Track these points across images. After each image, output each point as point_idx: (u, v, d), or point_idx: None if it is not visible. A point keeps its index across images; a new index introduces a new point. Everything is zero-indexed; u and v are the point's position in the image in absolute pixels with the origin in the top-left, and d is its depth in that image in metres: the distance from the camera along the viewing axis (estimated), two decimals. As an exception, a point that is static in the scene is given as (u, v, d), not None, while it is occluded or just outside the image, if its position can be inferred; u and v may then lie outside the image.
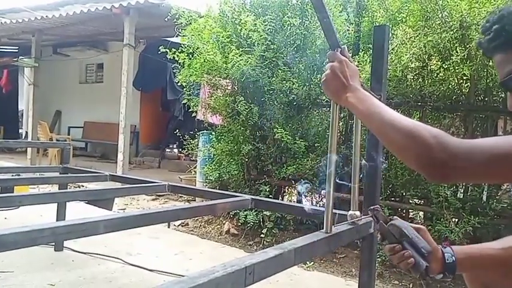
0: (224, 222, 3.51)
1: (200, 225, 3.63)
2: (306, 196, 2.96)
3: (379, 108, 0.80)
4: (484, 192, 2.51)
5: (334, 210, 0.99)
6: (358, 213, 1.10)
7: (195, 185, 4.18)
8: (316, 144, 3.18)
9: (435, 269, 0.90)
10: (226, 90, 3.59)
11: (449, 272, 0.91)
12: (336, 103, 0.95)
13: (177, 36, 3.94)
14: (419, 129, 0.71)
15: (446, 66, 2.42)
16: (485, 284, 0.96)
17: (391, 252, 0.90)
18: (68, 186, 2.66)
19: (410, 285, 2.46)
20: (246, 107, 3.20)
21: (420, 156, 0.69)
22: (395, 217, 0.95)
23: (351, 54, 3.12)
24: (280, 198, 3.47)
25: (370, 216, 0.98)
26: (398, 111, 2.78)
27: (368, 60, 2.47)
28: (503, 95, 2.52)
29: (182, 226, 3.63)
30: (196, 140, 4.13)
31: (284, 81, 3.09)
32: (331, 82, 0.88)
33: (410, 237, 0.89)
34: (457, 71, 2.41)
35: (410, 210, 2.88)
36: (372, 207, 0.96)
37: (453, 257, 0.91)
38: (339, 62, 0.88)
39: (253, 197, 1.50)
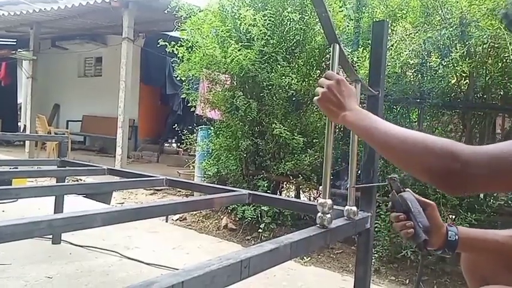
0: (222, 217, 3.52)
1: (198, 220, 3.64)
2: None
3: (382, 123, 0.79)
4: (481, 190, 2.52)
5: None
6: (354, 208, 1.11)
7: (193, 180, 4.18)
8: (314, 140, 3.18)
9: (436, 243, 0.94)
10: (225, 85, 3.59)
11: (449, 249, 0.94)
12: (332, 121, 0.93)
13: (176, 31, 3.92)
14: (428, 141, 0.68)
15: (446, 63, 2.41)
16: (484, 276, 0.96)
17: (396, 219, 0.95)
18: (66, 180, 2.66)
19: (407, 281, 2.47)
20: (245, 102, 3.20)
21: (432, 168, 0.66)
22: (407, 189, 0.98)
23: (350, 50, 3.12)
24: (278, 193, 3.48)
25: (387, 184, 1.01)
26: (397, 108, 2.77)
27: (367, 56, 2.46)
28: (501, 93, 2.53)
29: (180, 220, 3.64)
30: (195, 134, 4.13)
31: (283, 77, 3.08)
32: (328, 100, 0.87)
33: (413, 211, 0.93)
34: (456, 68, 2.41)
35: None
36: (389, 176, 1.00)
37: (456, 236, 0.93)
38: (336, 81, 0.87)
39: (250, 191, 1.50)
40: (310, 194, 3.48)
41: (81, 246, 2.50)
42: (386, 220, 2.56)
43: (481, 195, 2.52)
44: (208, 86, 3.71)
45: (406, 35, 2.56)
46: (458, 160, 0.63)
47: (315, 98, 0.91)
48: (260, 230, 3.13)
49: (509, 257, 0.90)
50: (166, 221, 3.56)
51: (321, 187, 2.59)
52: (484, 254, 0.96)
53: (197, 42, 3.44)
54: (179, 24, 3.68)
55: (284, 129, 3.03)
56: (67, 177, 3.11)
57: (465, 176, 0.64)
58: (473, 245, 0.94)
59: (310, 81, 3.14)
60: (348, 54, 2.82)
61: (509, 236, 0.92)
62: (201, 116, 4.14)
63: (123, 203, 4.46)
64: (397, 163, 0.76)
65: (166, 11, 3.79)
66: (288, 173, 3.17)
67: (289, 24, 3.17)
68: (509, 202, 2.51)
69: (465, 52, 2.37)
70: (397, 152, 0.74)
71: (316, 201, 1.01)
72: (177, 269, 0.63)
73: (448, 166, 0.64)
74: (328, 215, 0.93)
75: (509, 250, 0.90)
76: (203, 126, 4.11)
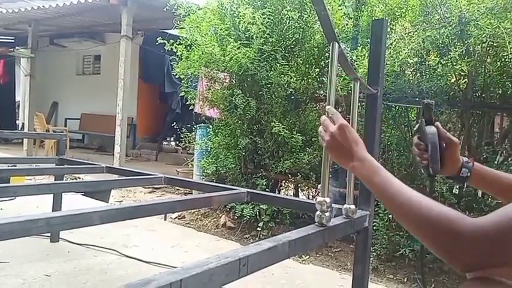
0: (220, 215, 3.52)
1: (196, 218, 3.64)
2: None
3: (392, 184, 0.76)
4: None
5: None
6: (353, 206, 1.11)
7: (192, 178, 4.18)
8: (313, 139, 3.18)
9: (448, 173, 0.99)
10: (224, 84, 3.58)
11: (459, 183, 1.00)
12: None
13: (175, 29, 3.91)
14: (433, 215, 0.64)
15: (444, 62, 2.41)
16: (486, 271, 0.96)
17: (416, 146, 1.00)
18: (64, 178, 2.66)
19: (405, 279, 2.48)
20: (244, 100, 3.19)
21: (441, 249, 0.63)
22: (437, 123, 0.99)
23: (349, 49, 3.11)
24: (276, 192, 3.48)
25: (421, 107, 1.02)
26: (396, 106, 2.75)
27: (366, 55, 2.46)
28: (500, 92, 2.53)
29: (179, 219, 3.63)
30: (193, 133, 4.13)
31: (282, 75, 3.08)
32: (334, 150, 0.85)
33: (430, 151, 0.96)
34: (455, 66, 2.41)
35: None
36: (425, 101, 1.01)
37: (468, 173, 0.97)
38: (338, 127, 0.84)
39: (248, 190, 1.50)
40: (308, 192, 3.49)
41: (80, 245, 2.49)
42: (385, 219, 2.56)
43: (479, 194, 2.53)
44: (207, 84, 3.71)
45: (405, 34, 2.56)
46: (464, 240, 0.59)
47: (322, 142, 0.88)
48: (259, 229, 3.13)
49: None
50: (165, 219, 3.56)
51: (319, 185, 2.59)
52: (491, 190, 1.00)
53: (196, 40, 3.44)
54: (178, 23, 3.68)
55: (283, 128, 3.03)
56: (65, 175, 3.11)
57: (475, 254, 0.59)
58: (482, 180, 0.98)
59: (309, 80, 3.14)
60: (347, 53, 2.82)
61: None
62: (199, 114, 4.13)
63: (121, 201, 4.45)
64: (406, 228, 0.73)
65: (165, 9, 3.78)
66: (286, 171, 3.17)
67: (288, 23, 3.17)
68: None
69: (464, 51, 2.36)
70: (406, 221, 0.71)
71: (314, 199, 1.01)
72: (175, 267, 0.63)
73: (456, 247, 0.60)
74: (327, 214, 0.93)
75: None
76: (202, 124, 4.11)
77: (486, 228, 0.58)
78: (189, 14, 3.58)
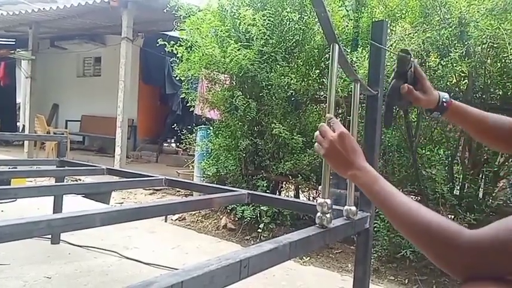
0: (221, 217, 3.52)
1: (197, 220, 3.64)
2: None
3: (391, 192, 0.76)
4: (480, 189, 2.53)
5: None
6: (354, 208, 1.11)
7: (192, 180, 4.18)
8: (313, 140, 3.18)
9: (423, 105, 1.07)
10: (225, 85, 3.59)
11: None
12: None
13: (175, 30, 3.92)
14: (432, 227, 0.65)
15: (445, 63, 2.41)
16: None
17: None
18: (65, 180, 2.66)
19: (406, 281, 2.48)
20: (244, 102, 3.20)
21: (437, 257, 0.64)
22: (406, 85, 1.05)
23: (349, 50, 3.11)
24: (277, 193, 3.48)
25: (398, 55, 1.08)
26: (396, 108, 2.73)
27: (366, 56, 2.46)
28: (500, 93, 2.53)
29: (179, 220, 3.63)
30: (194, 134, 4.13)
31: (282, 77, 3.08)
32: (333, 157, 0.85)
33: (387, 100, 1.08)
34: (455, 68, 2.41)
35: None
36: (401, 50, 1.07)
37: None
38: (338, 135, 0.84)
39: (249, 191, 1.50)
40: (309, 193, 3.48)
41: (80, 246, 2.49)
42: (386, 220, 2.56)
43: (480, 195, 2.53)
44: (208, 86, 3.71)
45: (405, 35, 2.57)
46: (462, 252, 0.60)
47: (319, 149, 0.87)
48: (259, 230, 3.13)
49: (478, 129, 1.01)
50: (166, 221, 3.56)
51: (320, 187, 2.59)
52: (465, 126, 1.08)
53: (196, 42, 3.44)
54: (178, 24, 3.68)
55: (283, 129, 3.03)
56: (66, 177, 3.11)
57: (473, 266, 0.59)
58: (455, 117, 1.05)
59: (310, 81, 3.15)
60: (347, 54, 2.82)
61: (488, 117, 0.99)
62: (200, 115, 4.14)
63: (122, 203, 4.45)
64: (409, 240, 0.74)
65: (165, 11, 3.79)
66: (287, 172, 3.17)
67: (289, 24, 3.17)
68: (508, 202, 2.52)
69: (464, 52, 2.37)
70: (405, 231, 0.71)
71: (315, 201, 1.01)
72: (176, 269, 0.63)
73: (454, 259, 0.61)
74: (328, 215, 0.93)
75: (491, 126, 0.98)
76: (202, 126, 4.11)
77: (484, 240, 0.59)
78: (189, 16, 3.58)
